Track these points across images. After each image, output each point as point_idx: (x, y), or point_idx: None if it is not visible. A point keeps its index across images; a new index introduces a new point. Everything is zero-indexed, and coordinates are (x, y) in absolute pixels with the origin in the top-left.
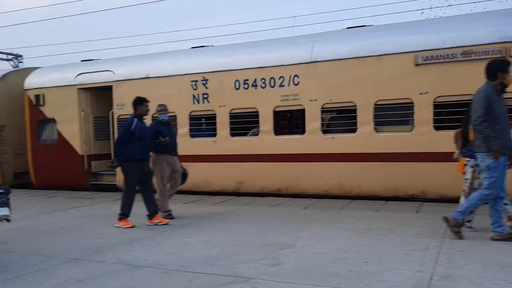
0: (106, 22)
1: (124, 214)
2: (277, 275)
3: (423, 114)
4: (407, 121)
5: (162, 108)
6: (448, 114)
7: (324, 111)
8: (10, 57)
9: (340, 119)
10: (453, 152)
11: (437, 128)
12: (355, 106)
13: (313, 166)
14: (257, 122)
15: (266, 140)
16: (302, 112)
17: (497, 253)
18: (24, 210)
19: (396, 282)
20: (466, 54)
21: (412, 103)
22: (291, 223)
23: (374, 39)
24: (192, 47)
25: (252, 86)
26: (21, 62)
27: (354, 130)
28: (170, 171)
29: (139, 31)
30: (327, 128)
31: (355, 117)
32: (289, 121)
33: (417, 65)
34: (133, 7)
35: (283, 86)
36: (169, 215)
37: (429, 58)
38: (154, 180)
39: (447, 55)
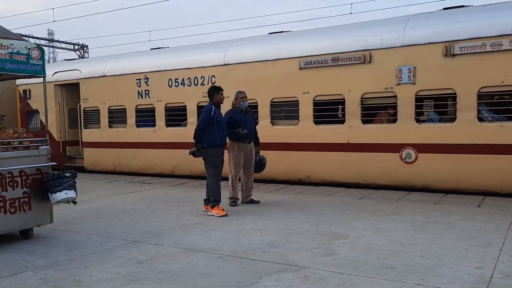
0: (169, 11)
1: (217, 200)
2: (330, 265)
3: (306, 110)
4: (295, 116)
5: (244, 95)
6: (324, 111)
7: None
8: (76, 47)
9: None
10: (329, 143)
11: (316, 122)
12: (257, 103)
13: None
14: (186, 115)
15: (192, 130)
16: None
17: None
18: (89, 193)
19: (454, 278)
20: (335, 60)
21: (297, 101)
22: (345, 213)
23: (272, 45)
24: (151, 48)
25: (181, 84)
26: (87, 52)
27: (256, 123)
28: (244, 159)
29: (205, 20)
30: None
31: (257, 112)
32: None
33: (300, 68)
34: None
35: (204, 84)
36: (233, 202)
37: (309, 63)
38: (227, 167)
39: (321, 60)
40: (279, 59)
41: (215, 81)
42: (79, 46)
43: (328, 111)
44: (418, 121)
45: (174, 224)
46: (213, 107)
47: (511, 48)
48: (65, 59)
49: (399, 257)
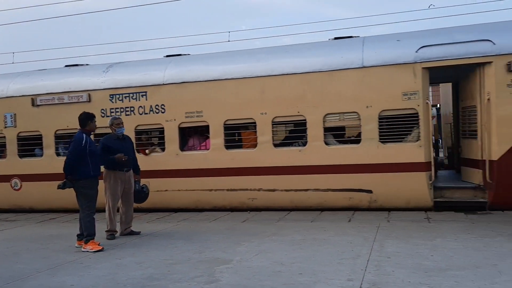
0: (91, 27)
1: (91, 234)
2: None
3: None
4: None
5: (119, 122)
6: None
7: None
8: None
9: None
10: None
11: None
12: (41, 135)
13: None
14: None
15: None
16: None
17: (420, 258)
18: None
19: None
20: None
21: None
22: (228, 237)
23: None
24: None
25: None
26: None
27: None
28: (122, 188)
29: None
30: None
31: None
32: None
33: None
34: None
35: None
36: (111, 235)
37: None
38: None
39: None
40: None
41: None
42: None
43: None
44: (21, 156)
45: (42, 265)
46: (84, 135)
47: (69, 101)
48: None
49: (279, 277)
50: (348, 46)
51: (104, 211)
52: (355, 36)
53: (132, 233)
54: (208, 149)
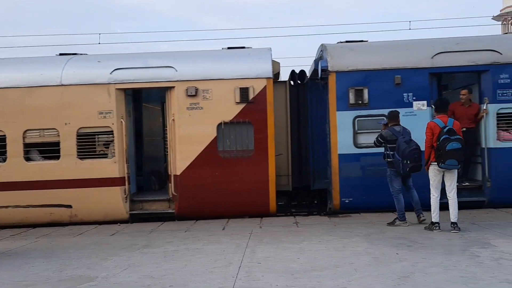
0: None
1: None
2: None
3: None
4: None
5: None
6: None
7: None
8: None
9: None
10: None
11: None
12: None
13: None
14: None
15: None
16: None
17: (288, 261)
18: None
19: None
20: None
21: None
22: (94, 253)
23: None
24: None
25: None
26: None
27: None
28: None
29: None
30: None
31: None
32: None
33: None
34: None
35: None
36: None
37: None
38: None
39: None
40: None
41: None
42: None
43: None
44: None
45: None
46: None
47: None
48: None
49: None
50: (50, 64)
51: None
52: (82, 54)
53: None
54: None
